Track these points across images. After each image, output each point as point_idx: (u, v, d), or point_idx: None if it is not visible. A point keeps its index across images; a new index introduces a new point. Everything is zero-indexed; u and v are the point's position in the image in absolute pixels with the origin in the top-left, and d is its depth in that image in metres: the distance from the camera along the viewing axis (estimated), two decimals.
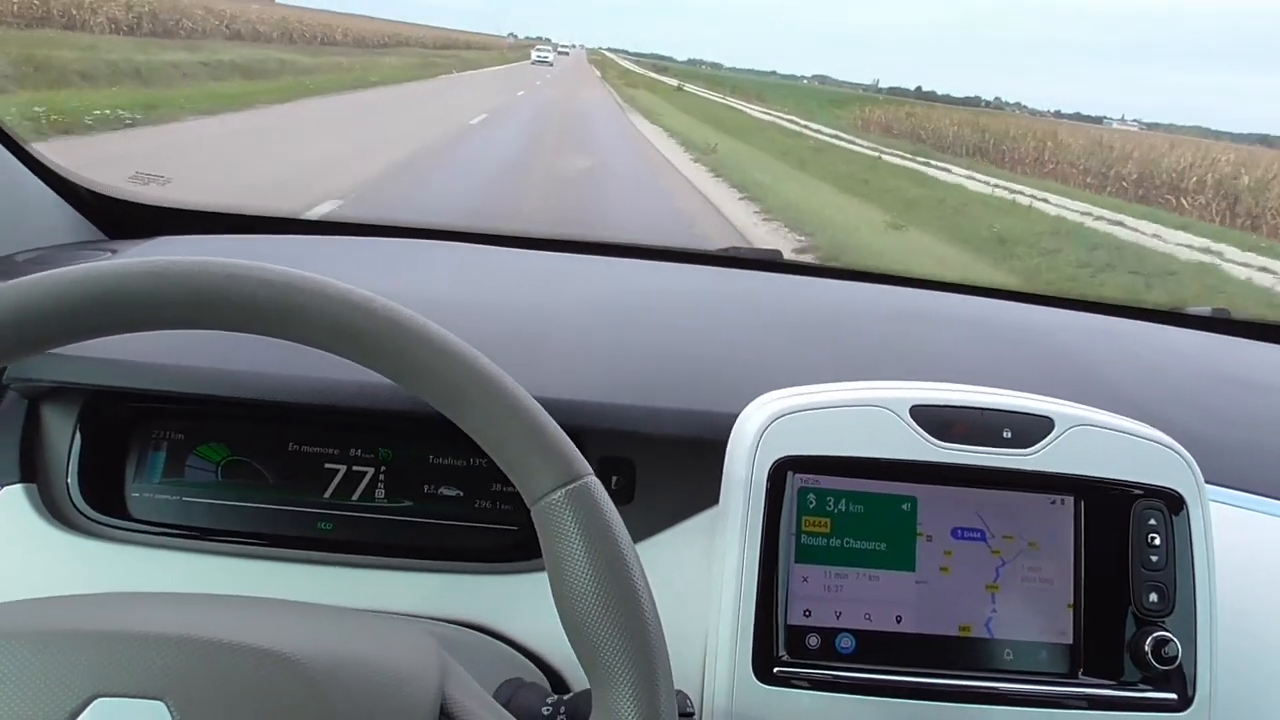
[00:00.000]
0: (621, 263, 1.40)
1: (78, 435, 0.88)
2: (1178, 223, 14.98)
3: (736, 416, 0.84)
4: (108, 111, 10.02)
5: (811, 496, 0.80)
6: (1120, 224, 13.84)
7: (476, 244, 1.38)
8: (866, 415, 0.80)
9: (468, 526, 0.90)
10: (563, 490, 0.55)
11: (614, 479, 0.88)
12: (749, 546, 0.78)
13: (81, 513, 0.86)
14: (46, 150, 1.23)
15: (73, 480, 0.87)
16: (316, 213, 5.26)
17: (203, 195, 1.50)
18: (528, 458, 0.56)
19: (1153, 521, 0.82)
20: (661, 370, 0.97)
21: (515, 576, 0.85)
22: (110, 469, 0.89)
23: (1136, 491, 0.82)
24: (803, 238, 9.10)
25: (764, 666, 0.77)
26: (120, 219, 1.31)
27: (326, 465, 0.90)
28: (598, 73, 53.89)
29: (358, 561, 0.86)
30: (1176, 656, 0.78)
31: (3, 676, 0.48)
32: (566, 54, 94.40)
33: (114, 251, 1.18)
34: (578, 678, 0.80)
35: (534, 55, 58.92)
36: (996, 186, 16.78)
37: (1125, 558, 0.81)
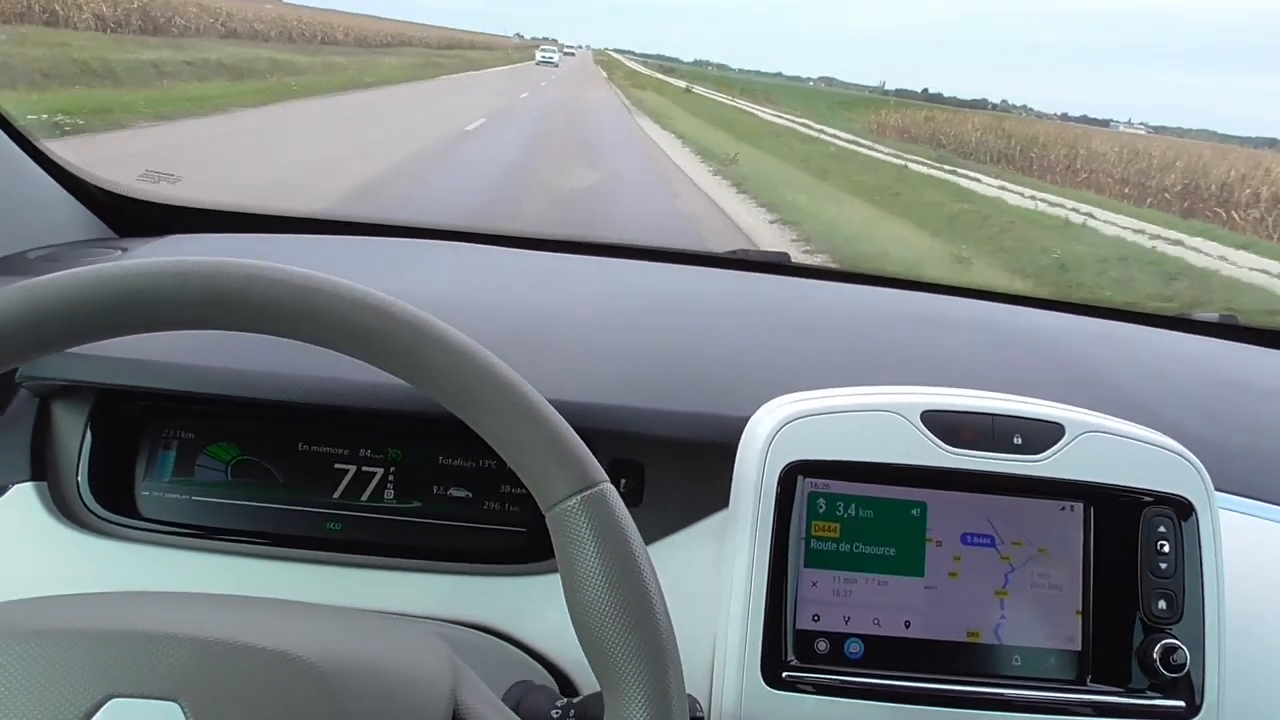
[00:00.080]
0: (628, 264, 1.40)
1: (88, 434, 0.88)
2: (1238, 241, 13.43)
3: (746, 420, 0.84)
4: (44, 116, 8.66)
5: (821, 501, 0.80)
6: (1179, 243, 12.48)
7: (484, 244, 1.38)
8: (877, 420, 0.80)
9: (477, 528, 0.90)
10: (578, 497, 0.55)
11: (623, 481, 0.88)
12: (758, 550, 0.78)
13: (91, 511, 0.86)
14: None
15: (83, 479, 0.87)
16: None
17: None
18: (543, 463, 0.56)
19: (1162, 529, 0.81)
20: (671, 372, 0.97)
21: (524, 578, 0.85)
22: (120, 468, 0.89)
23: (1146, 498, 0.82)
24: None
25: (772, 671, 0.77)
26: (130, 217, 1.31)
27: (336, 465, 0.90)
28: (604, 73, 53.54)
29: (366, 562, 0.86)
30: (1185, 664, 0.78)
31: (18, 676, 0.48)
32: (572, 55, 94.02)
33: (124, 249, 1.18)
34: (587, 680, 0.80)
35: (538, 56, 58.61)
36: (1037, 199, 15.45)
37: (1134, 565, 0.81)
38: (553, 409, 0.57)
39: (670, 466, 0.88)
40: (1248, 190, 18.34)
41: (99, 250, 1.17)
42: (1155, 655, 0.78)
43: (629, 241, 1.47)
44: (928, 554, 0.81)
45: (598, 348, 1.01)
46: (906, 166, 18.55)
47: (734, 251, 1.49)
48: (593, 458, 0.57)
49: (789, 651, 0.78)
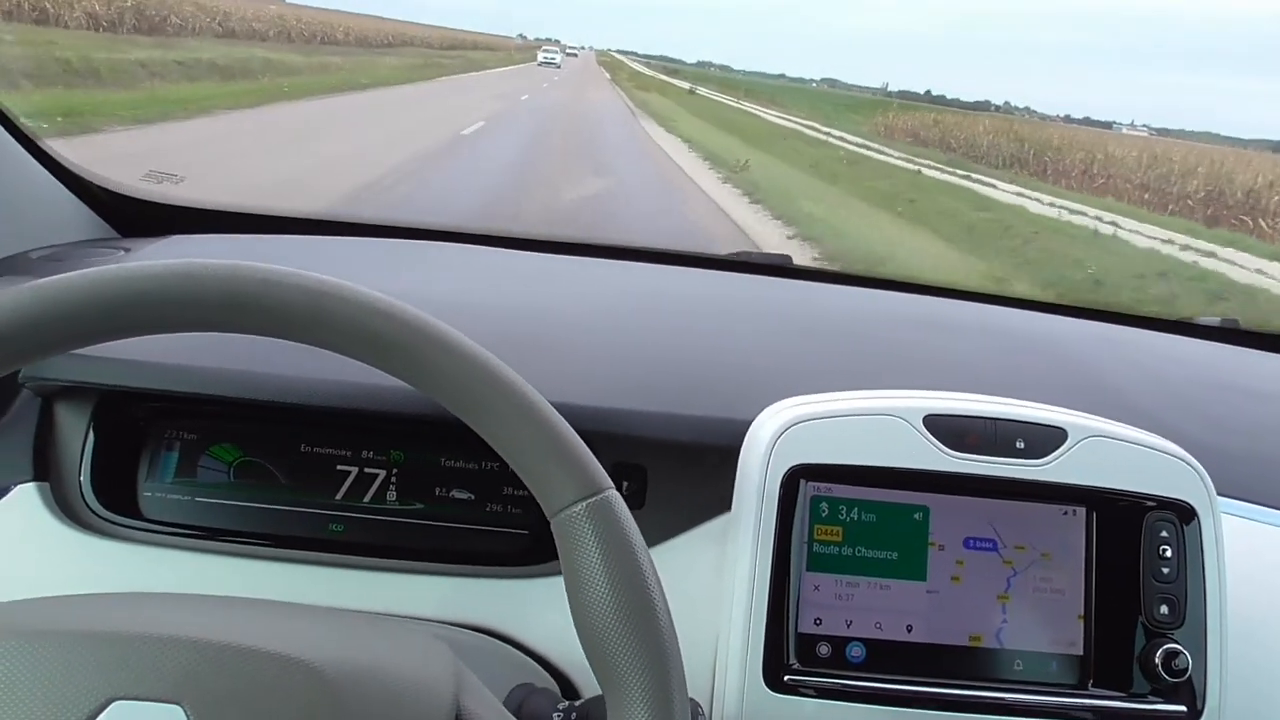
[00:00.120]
0: (630, 266, 1.40)
1: (91, 434, 0.88)
2: (1269, 251, 12.51)
3: (749, 423, 0.84)
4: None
5: (824, 505, 0.80)
6: (1212, 254, 11.74)
7: (487, 246, 1.38)
8: (880, 424, 0.81)
9: (479, 530, 0.90)
10: (583, 504, 0.55)
11: (625, 484, 0.88)
12: (761, 554, 0.78)
13: (94, 512, 0.86)
14: None
15: (85, 479, 0.87)
16: None
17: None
18: (548, 469, 0.56)
19: (1164, 533, 0.81)
20: (673, 375, 0.97)
21: (526, 581, 0.85)
22: (123, 468, 0.89)
23: (1148, 503, 0.82)
24: None
25: (774, 674, 0.77)
26: (132, 217, 1.31)
27: (338, 467, 0.90)
28: (607, 75, 53.28)
29: (368, 564, 0.86)
30: (1186, 669, 0.78)
31: (21, 677, 0.48)
32: (575, 55, 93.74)
33: (127, 250, 1.19)
34: (588, 683, 0.80)
35: (540, 57, 58.30)
36: (1057, 206, 14.71)
37: (1136, 569, 0.81)
38: (558, 415, 0.57)
39: (673, 470, 0.88)
40: (1276, 197, 17.46)
41: (102, 250, 1.17)
42: (1157, 660, 0.78)
43: (630, 243, 1.47)
44: (930, 558, 0.81)
45: (599, 350, 1.01)
46: (920, 172, 17.98)
47: (736, 254, 1.49)
48: (598, 464, 0.57)
49: (791, 655, 0.78)
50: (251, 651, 0.50)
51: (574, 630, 0.55)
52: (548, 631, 0.83)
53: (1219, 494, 0.83)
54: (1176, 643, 0.79)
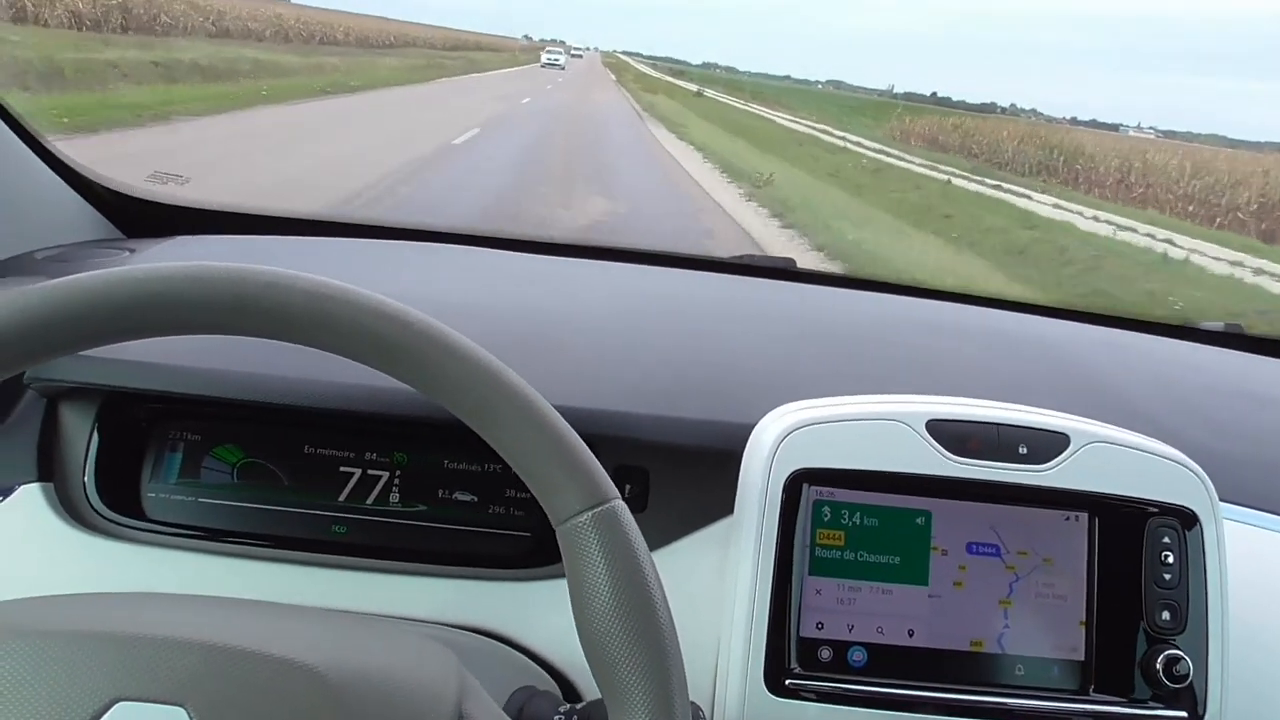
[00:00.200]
0: (633, 269, 1.40)
1: (95, 435, 0.88)
2: None
3: (752, 427, 0.84)
4: None
5: (826, 509, 0.80)
6: None
7: (490, 248, 1.38)
8: (882, 429, 0.81)
9: (482, 532, 0.90)
10: (589, 513, 0.55)
11: (628, 487, 0.88)
12: (763, 558, 0.78)
13: (97, 512, 0.87)
14: None
15: (89, 480, 0.87)
16: None
17: None
18: (554, 477, 0.56)
19: (1166, 539, 0.81)
20: (676, 378, 0.97)
21: (529, 583, 0.85)
22: (127, 469, 0.89)
23: (1151, 509, 0.82)
24: None
25: (776, 678, 0.77)
26: (136, 217, 1.32)
27: (341, 469, 0.90)
28: (612, 76, 53.03)
29: (371, 565, 0.86)
30: (1188, 675, 0.78)
31: (26, 676, 0.48)
32: (579, 57, 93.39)
33: (132, 250, 1.19)
34: (590, 686, 0.80)
35: (544, 58, 58.01)
36: (1105, 222, 13.43)
37: (1138, 575, 0.81)
38: (564, 422, 0.58)
39: (675, 473, 0.88)
40: None
41: (107, 251, 1.18)
42: (1158, 666, 0.78)
43: (632, 246, 1.47)
44: (932, 563, 0.81)
45: (602, 352, 1.01)
46: (949, 181, 16.85)
47: (740, 256, 1.49)
48: (604, 473, 0.57)
49: (792, 659, 0.78)
50: (255, 655, 0.51)
51: (576, 633, 0.55)
52: (550, 634, 0.83)
53: (1223, 499, 0.83)
54: (1178, 648, 0.79)
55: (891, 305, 1.38)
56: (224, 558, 0.86)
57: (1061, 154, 22.38)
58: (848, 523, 0.81)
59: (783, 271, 1.45)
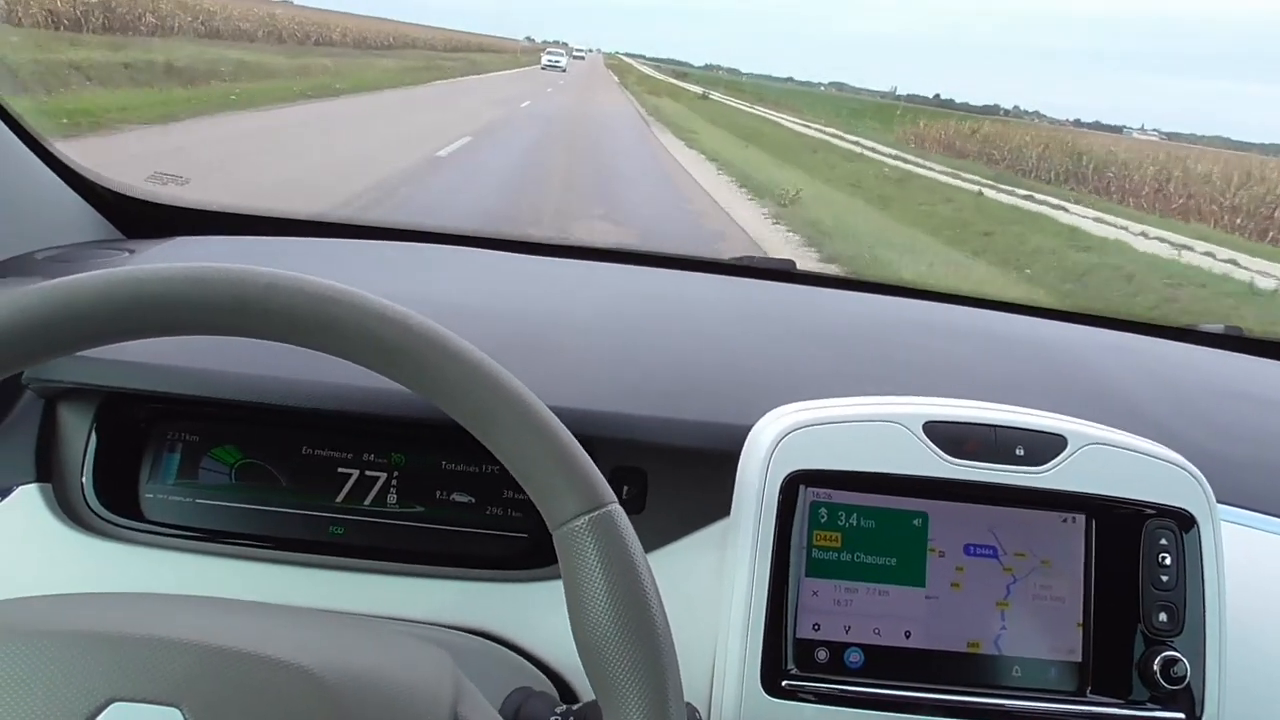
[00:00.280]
0: (631, 270, 1.40)
1: (93, 436, 0.88)
2: None
3: (749, 428, 0.84)
4: None
5: (823, 510, 0.80)
6: None
7: (490, 249, 1.38)
8: (879, 430, 0.81)
9: (479, 533, 0.90)
10: (586, 518, 0.55)
11: (625, 488, 0.88)
12: (760, 559, 0.78)
13: (95, 513, 0.87)
14: None
15: (87, 480, 0.87)
16: None
17: None
18: (552, 481, 0.56)
19: (1164, 541, 0.81)
20: (674, 379, 0.97)
21: (525, 585, 0.85)
22: (125, 470, 0.89)
23: (1148, 511, 0.82)
24: None
25: (772, 679, 0.77)
26: (136, 218, 1.32)
27: (339, 470, 0.90)
28: (615, 78, 52.72)
29: (368, 566, 0.86)
30: (1185, 676, 0.78)
31: (21, 676, 0.48)
32: (582, 58, 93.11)
33: (132, 251, 1.19)
34: (586, 687, 0.80)
35: (544, 60, 57.72)
36: (1156, 239, 12.18)
37: (1135, 577, 0.81)
38: (562, 426, 0.58)
39: (672, 474, 0.88)
40: None
41: (107, 252, 1.18)
42: (1155, 667, 0.78)
43: (632, 247, 1.47)
44: (929, 564, 0.81)
45: (600, 354, 1.01)
46: (981, 193, 15.78)
47: (739, 258, 1.49)
48: (601, 477, 0.57)
49: (789, 660, 0.78)
50: (251, 656, 0.51)
51: (572, 635, 0.55)
52: (546, 635, 0.83)
53: (1222, 501, 0.83)
54: (1175, 650, 0.79)
55: (889, 307, 1.38)
56: (222, 558, 0.86)
57: (1091, 161, 21.31)
58: (845, 524, 0.81)
59: (781, 273, 1.45)
